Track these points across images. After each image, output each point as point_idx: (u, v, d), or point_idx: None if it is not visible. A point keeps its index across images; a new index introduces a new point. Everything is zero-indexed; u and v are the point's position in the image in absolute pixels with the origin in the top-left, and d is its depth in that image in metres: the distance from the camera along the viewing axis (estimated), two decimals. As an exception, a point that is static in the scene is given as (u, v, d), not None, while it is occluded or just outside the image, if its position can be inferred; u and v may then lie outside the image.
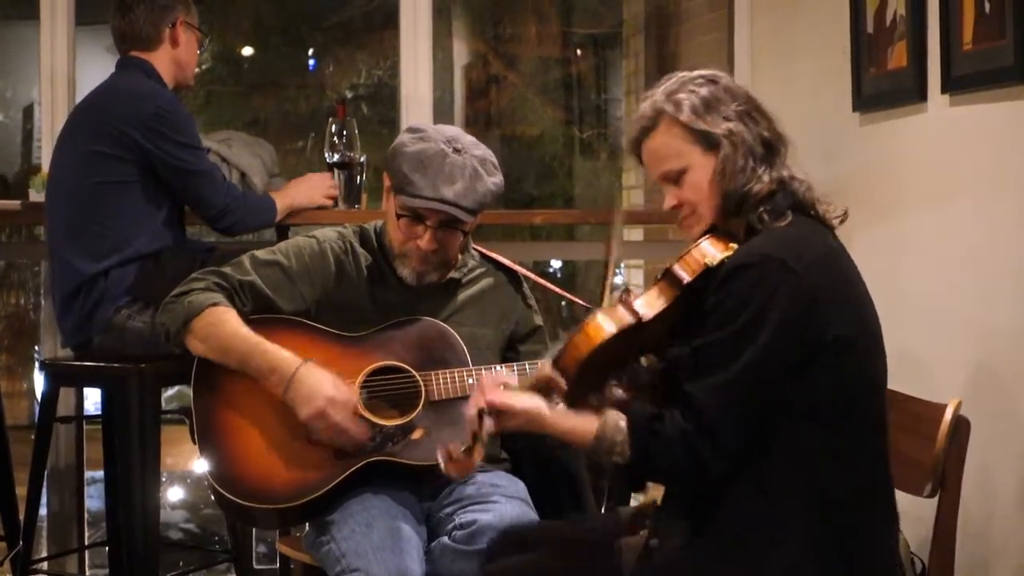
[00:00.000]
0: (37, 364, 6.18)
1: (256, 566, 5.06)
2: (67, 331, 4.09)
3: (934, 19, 3.73)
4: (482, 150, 3.36)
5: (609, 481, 3.62)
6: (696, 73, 2.78)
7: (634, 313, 2.68)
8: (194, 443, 3.26)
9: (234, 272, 3.37)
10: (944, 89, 3.69)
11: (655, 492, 2.88)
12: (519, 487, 3.30)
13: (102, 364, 4.00)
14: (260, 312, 3.34)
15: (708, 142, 2.69)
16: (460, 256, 3.51)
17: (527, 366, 3.30)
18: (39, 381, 4.38)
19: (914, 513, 3.13)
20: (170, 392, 5.60)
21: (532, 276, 3.66)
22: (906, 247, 3.92)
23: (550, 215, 5.02)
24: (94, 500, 5.29)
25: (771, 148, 2.71)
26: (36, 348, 7.75)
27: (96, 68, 4.36)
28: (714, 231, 2.73)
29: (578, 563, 2.79)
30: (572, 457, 3.41)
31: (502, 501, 3.17)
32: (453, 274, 3.47)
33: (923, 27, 3.79)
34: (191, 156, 4.06)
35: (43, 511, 4.53)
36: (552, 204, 8.48)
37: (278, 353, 3.21)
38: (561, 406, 2.73)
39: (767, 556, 2.56)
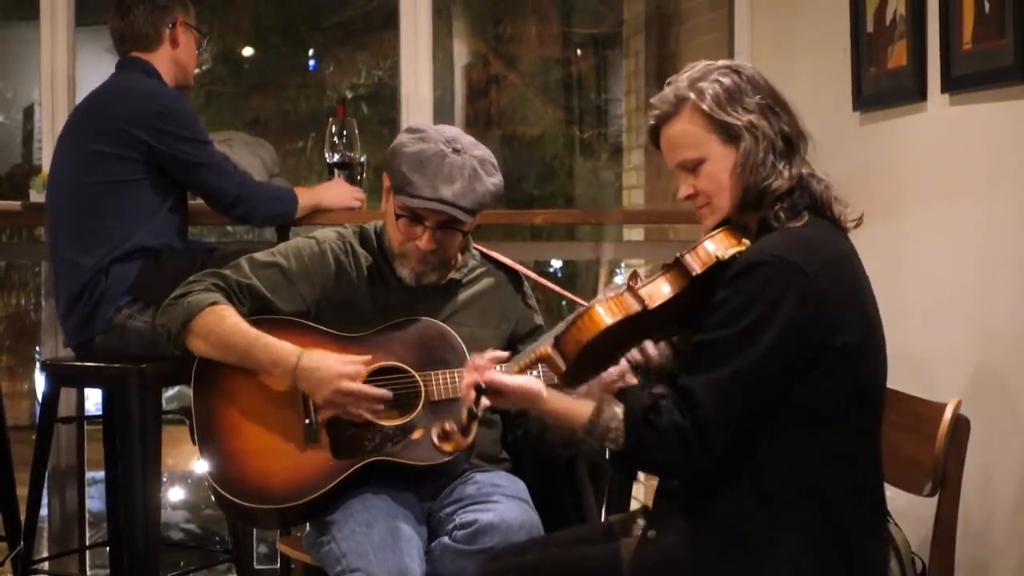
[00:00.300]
0: (38, 364, 6.19)
1: (257, 566, 5.06)
2: (70, 331, 4.10)
3: (934, 18, 3.73)
4: (481, 150, 3.36)
5: (609, 482, 3.62)
6: (721, 63, 2.76)
7: (640, 300, 2.67)
8: (194, 443, 3.26)
9: (233, 274, 3.37)
10: (944, 89, 3.69)
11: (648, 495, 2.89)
12: (519, 487, 3.30)
13: (103, 364, 4.00)
14: (258, 313, 3.34)
15: (728, 133, 2.68)
16: (460, 256, 3.51)
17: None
18: (40, 381, 4.38)
19: (914, 512, 3.13)
20: (170, 392, 5.61)
21: (533, 275, 3.66)
22: (906, 246, 3.92)
23: (551, 215, 5.02)
24: (95, 500, 5.30)
25: (791, 144, 2.70)
26: (37, 349, 7.75)
27: (96, 69, 4.36)
28: (727, 224, 2.72)
29: (577, 561, 2.78)
30: (572, 457, 3.41)
31: (502, 501, 3.18)
32: (453, 274, 3.47)
33: (923, 26, 3.79)
34: (198, 150, 4.08)
35: (44, 511, 4.53)
36: (553, 204, 8.48)
37: (278, 345, 3.22)
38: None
39: (768, 556, 2.57)
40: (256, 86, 8.91)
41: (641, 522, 2.84)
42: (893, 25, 3.95)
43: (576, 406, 2.68)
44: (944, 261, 3.75)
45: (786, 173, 2.67)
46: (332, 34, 8.83)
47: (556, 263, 8.16)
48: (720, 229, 2.71)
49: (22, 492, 4.32)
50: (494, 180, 3.34)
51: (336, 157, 4.50)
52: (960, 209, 3.67)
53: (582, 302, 3.32)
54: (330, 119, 4.54)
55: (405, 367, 3.29)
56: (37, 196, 4.55)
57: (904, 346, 3.68)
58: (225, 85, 8.93)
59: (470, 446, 3.21)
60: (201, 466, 3.27)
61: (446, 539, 3.11)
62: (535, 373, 2.90)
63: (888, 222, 4.00)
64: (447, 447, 2.80)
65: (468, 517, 3.11)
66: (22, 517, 4.29)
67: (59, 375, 4.20)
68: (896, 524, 2.88)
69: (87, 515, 4.88)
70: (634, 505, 3.87)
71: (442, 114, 6.69)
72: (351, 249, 3.46)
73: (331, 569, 3.09)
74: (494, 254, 3.60)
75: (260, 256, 3.42)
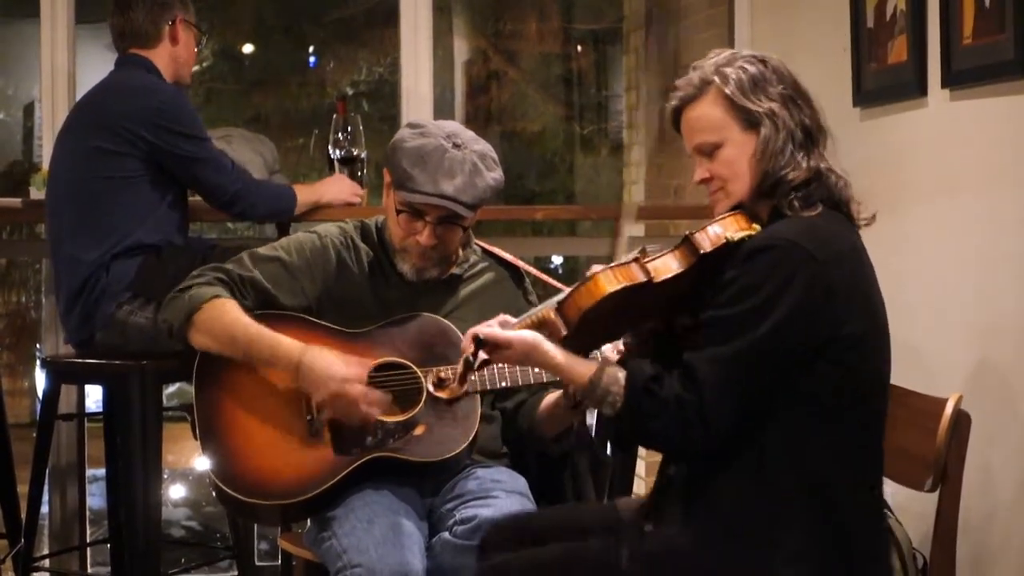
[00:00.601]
0: (38, 362, 6.19)
1: (258, 563, 5.06)
2: (71, 328, 4.10)
3: (934, 14, 3.73)
4: (482, 145, 3.36)
5: (610, 477, 3.62)
6: (748, 52, 2.78)
7: (645, 272, 2.67)
8: (196, 440, 3.26)
9: (235, 268, 3.37)
10: (944, 84, 3.69)
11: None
12: (520, 482, 3.30)
13: (103, 361, 4.00)
14: (261, 307, 3.34)
15: (749, 120, 2.69)
16: (462, 252, 3.51)
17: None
18: (40, 379, 4.38)
19: (915, 508, 3.13)
20: (171, 389, 5.61)
21: (534, 271, 3.66)
22: (907, 242, 3.92)
23: (551, 211, 5.04)
24: (95, 498, 5.30)
25: (811, 136, 2.72)
26: (37, 346, 7.75)
27: (97, 66, 4.36)
28: (740, 209, 2.72)
29: (577, 554, 2.78)
30: (565, 452, 3.41)
31: (503, 496, 3.18)
32: (454, 270, 3.47)
33: (923, 22, 3.79)
34: (197, 146, 4.09)
35: (45, 509, 4.53)
36: (553, 200, 8.48)
37: (281, 341, 3.21)
38: None
39: (767, 548, 2.57)
40: (257, 83, 8.91)
41: (641, 510, 2.85)
42: (893, 20, 3.95)
43: (578, 363, 2.70)
44: (945, 256, 3.75)
45: (804, 164, 2.68)
46: (332, 31, 8.83)
47: (557, 259, 8.16)
48: (732, 212, 2.72)
49: (23, 489, 4.32)
50: (494, 175, 3.34)
51: (340, 153, 4.50)
52: (961, 204, 3.67)
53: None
54: (334, 115, 4.54)
55: (406, 363, 3.29)
56: (37, 193, 4.55)
57: (905, 341, 3.67)
58: (226, 82, 8.93)
59: (472, 442, 3.22)
60: (202, 463, 3.26)
61: (447, 535, 3.11)
62: (534, 370, 2.88)
63: (889, 217, 3.98)
64: (442, 394, 2.81)
65: (469, 512, 3.11)
66: (23, 514, 4.29)
67: (60, 372, 4.20)
68: (897, 520, 2.89)
69: (88, 512, 4.89)
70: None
71: (442, 111, 6.69)
72: (352, 244, 3.46)
73: (332, 565, 3.09)
74: (495, 250, 3.60)
75: (262, 251, 3.42)
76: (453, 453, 3.20)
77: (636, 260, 2.70)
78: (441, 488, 3.29)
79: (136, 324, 3.97)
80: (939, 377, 3.62)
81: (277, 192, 4.29)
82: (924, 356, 3.73)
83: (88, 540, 4.91)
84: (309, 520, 3.33)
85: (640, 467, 5.26)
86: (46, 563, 4.64)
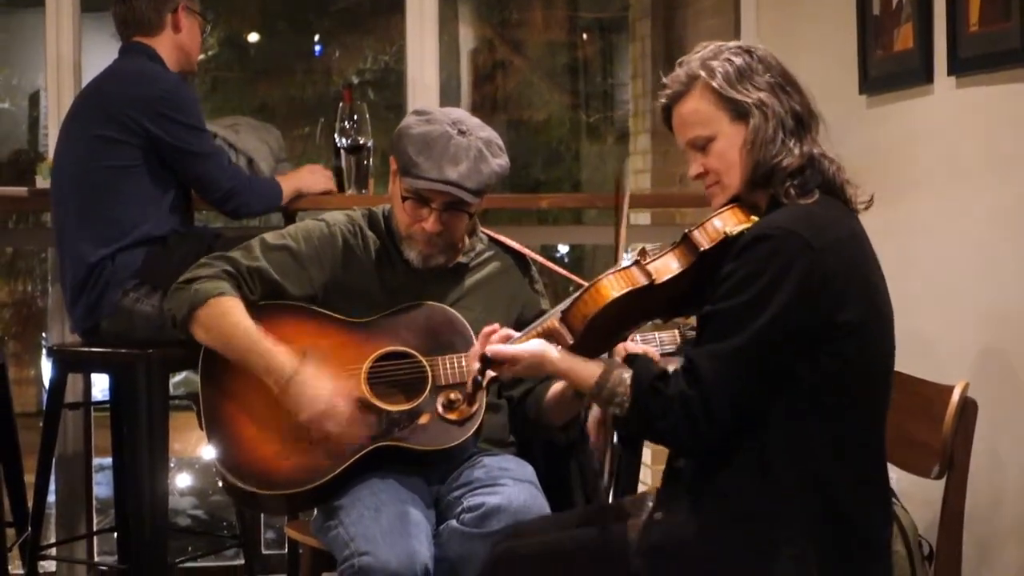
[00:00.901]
0: (44, 351, 6.20)
1: (264, 551, 5.07)
2: (77, 318, 4.09)
3: (940, 1, 3.72)
4: (488, 132, 3.36)
5: (617, 465, 3.62)
6: (733, 43, 2.78)
7: (647, 275, 2.68)
8: (201, 429, 3.26)
9: (243, 257, 3.37)
10: (951, 71, 3.69)
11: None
12: (527, 470, 3.30)
13: (110, 350, 4.00)
14: (268, 297, 3.34)
15: (738, 111, 2.69)
16: (468, 240, 3.50)
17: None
18: (47, 368, 4.39)
19: (922, 495, 3.13)
20: (177, 378, 5.61)
21: (541, 260, 3.66)
22: (913, 229, 3.92)
23: (557, 199, 5.02)
24: (102, 486, 5.30)
25: (802, 123, 2.71)
26: (44, 335, 7.76)
27: (102, 55, 4.35)
28: (737, 202, 2.72)
29: (585, 542, 2.78)
30: (572, 442, 3.41)
31: (510, 484, 3.17)
32: (461, 258, 3.47)
33: (930, 9, 3.78)
34: (196, 138, 4.07)
35: (51, 497, 4.54)
36: (559, 188, 8.48)
37: (276, 355, 3.20)
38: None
39: (771, 537, 2.57)
40: (262, 72, 8.92)
41: (649, 504, 2.85)
42: (900, 7, 3.94)
43: (585, 366, 2.72)
44: (951, 243, 3.74)
45: (796, 151, 2.68)
46: (338, 19, 8.83)
47: (563, 248, 8.15)
48: (729, 206, 2.72)
49: (29, 479, 4.32)
50: (500, 161, 3.33)
51: (346, 141, 4.50)
52: (966, 191, 3.67)
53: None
54: (340, 104, 4.53)
55: (412, 352, 3.29)
56: (43, 182, 4.54)
57: (911, 329, 3.67)
58: (231, 71, 8.93)
59: (478, 430, 3.22)
60: (208, 452, 3.26)
61: (454, 522, 3.11)
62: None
63: (895, 205, 3.99)
64: (452, 416, 2.82)
65: (476, 500, 3.11)
66: (30, 503, 4.30)
67: (66, 361, 4.20)
68: (903, 507, 2.89)
69: (94, 501, 4.89)
70: (642, 488, 3.87)
71: (448, 99, 6.68)
72: (360, 232, 3.46)
73: (339, 553, 3.09)
74: (502, 238, 3.60)
75: (270, 238, 3.42)
76: (458, 441, 3.20)
77: (637, 263, 2.71)
78: (448, 476, 3.29)
79: (142, 312, 3.97)
80: (946, 364, 3.62)
81: (267, 188, 4.28)
82: (931, 343, 3.73)
83: (95, 529, 4.92)
84: (316, 509, 3.33)
85: (646, 455, 5.26)
86: (53, 551, 4.65)
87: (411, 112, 3.43)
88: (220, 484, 3.27)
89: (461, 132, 3.30)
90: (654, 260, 2.71)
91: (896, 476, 2.94)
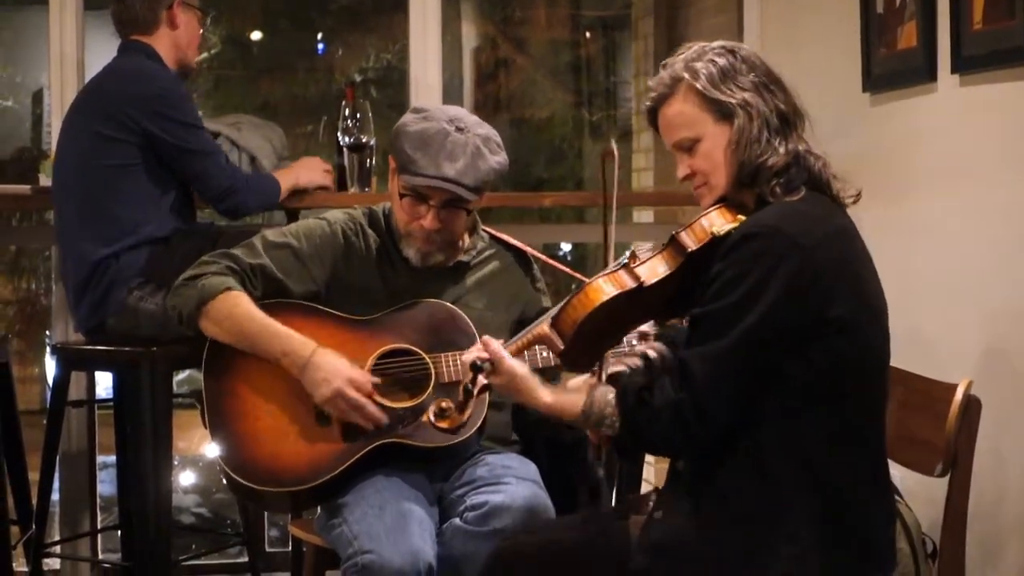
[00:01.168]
0: (49, 349, 6.20)
1: (268, 549, 5.07)
2: (81, 317, 4.09)
3: (944, -1, 3.73)
4: (486, 129, 3.36)
5: (619, 463, 3.62)
6: (716, 43, 2.78)
7: (636, 278, 2.68)
8: (205, 427, 3.26)
9: (245, 255, 3.37)
10: (954, 69, 3.68)
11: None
12: (530, 468, 3.30)
13: (113, 348, 4.01)
14: (271, 295, 3.35)
15: (722, 112, 2.69)
16: (469, 238, 3.51)
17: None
18: (51, 366, 4.39)
19: (925, 494, 3.13)
20: (181, 376, 5.61)
21: (542, 257, 3.66)
22: (916, 227, 3.92)
23: (559, 198, 5.02)
24: (106, 484, 5.30)
25: (787, 121, 2.71)
26: (48, 333, 7.76)
27: (105, 52, 4.35)
28: (724, 202, 2.73)
29: (587, 540, 2.79)
30: (579, 439, 3.41)
31: (514, 482, 3.18)
32: (462, 257, 3.47)
33: (933, 7, 3.78)
34: (193, 136, 4.07)
35: (55, 495, 4.54)
36: (562, 187, 8.47)
37: (291, 337, 3.22)
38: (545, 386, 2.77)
39: (770, 533, 2.57)
40: (265, 70, 8.91)
41: (652, 502, 2.85)
42: (903, 5, 3.94)
43: (567, 398, 2.74)
44: (955, 242, 3.74)
45: (782, 149, 2.68)
46: (341, 17, 8.82)
47: (565, 246, 8.15)
48: (716, 206, 2.72)
49: (33, 476, 4.32)
50: (498, 158, 3.34)
51: (349, 140, 4.49)
52: (970, 190, 3.67)
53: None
54: (342, 102, 4.53)
55: (415, 349, 3.29)
56: (46, 180, 4.54)
57: (915, 327, 3.68)
58: (234, 69, 8.92)
59: (480, 429, 3.22)
60: (212, 450, 3.27)
61: (457, 521, 3.12)
62: (541, 353, 2.88)
63: (898, 203, 3.99)
64: (443, 424, 2.83)
65: (479, 499, 3.11)
66: (34, 501, 4.30)
67: (70, 359, 4.20)
68: (907, 505, 2.89)
69: (98, 499, 4.89)
70: (645, 487, 3.87)
71: (451, 97, 6.68)
72: (361, 230, 3.46)
73: (343, 551, 3.10)
74: (503, 236, 3.60)
75: (272, 236, 3.42)
76: (461, 439, 3.20)
77: (625, 266, 2.71)
78: (451, 474, 3.29)
79: (146, 310, 3.97)
80: (949, 362, 3.62)
81: (265, 185, 4.27)
82: (934, 341, 3.73)
83: (99, 526, 4.92)
84: (320, 507, 3.33)
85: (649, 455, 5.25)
86: (57, 549, 4.65)
87: (409, 110, 3.43)
88: (224, 481, 3.28)
89: (459, 129, 3.30)
90: (643, 263, 2.71)
91: (900, 474, 2.95)
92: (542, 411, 2.80)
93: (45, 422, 4.23)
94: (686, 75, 2.72)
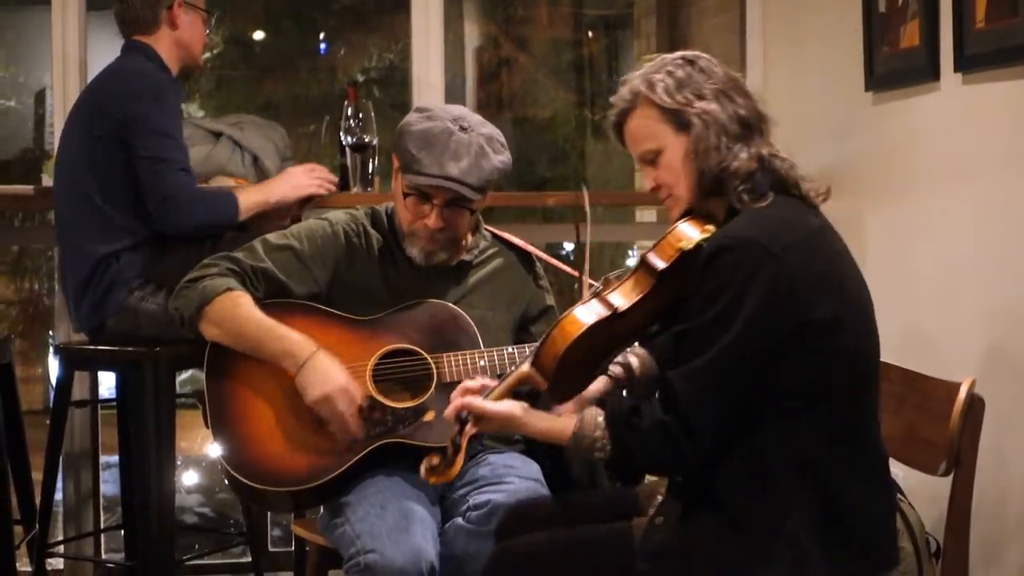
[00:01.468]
0: (51, 349, 6.20)
1: (271, 548, 5.07)
2: (82, 317, 4.09)
3: (947, -2, 3.73)
4: (489, 128, 3.37)
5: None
6: (677, 54, 2.80)
7: (609, 305, 2.70)
8: (207, 427, 3.26)
9: (247, 257, 3.37)
10: (957, 68, 3.68)
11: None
12: (533, 468, 3.30)
13: (116, 348, 4.00)
14: (273, 297, 3.35)
15: (679, 122, 2.71)
16: (471, 237, 3.51)
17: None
18: (54, 366, 4.38)
19: (928, 493, 3.13)
20: (184, 376, 5.61)
21: (545, 257, 3.66)
22: (919, 226, 3.91)
23: (562, 197, 5.00)
24: (109, 484, 5.30)
25: (748, 126, 2.72)
26: (50, 333, 7.76)
27: (108, 53, 4.35)
28: (691, 214, 2.74)
29: (590, 539, 2.79)
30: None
31: (516, 482, 3.18)
32: (465, 256, 3.47)
33: (936, 6, 3.78)
34: (155, 142, 3.94)
35: (58, 495, 4.54)
36: (564, 186, 8.46)
37: (292, 338, 3.22)
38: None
39: (770, 537, 2.57)
40: (267, 70, 8.90)
41: (658, 498, 2.85)
42: (906, 4, 3.94)
43: (557, 423, 2.75)
44: (957, 241, 3.74)
45: (743, 155, 2.69)
46: (343, 17, 8.82)
47: (568, 245, 8.15)
48: (682, 219, 2.74)
49: (37, 476, 4.33)
50: (501, 158, 3.34)
51: (351, 140, 4.49)
52: (973, 188, 3.67)
53: (594, 283, 3.33)
54: (345, 102, 4.53)
55: (417, 349, 3.30)
56: (49, 180, 4.54)
57: (918, 326, 3.68)
58: (236, 69, 8.92)
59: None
60: (214, 450, 3.27)
61: (460, 520, 3.12)
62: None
63: (901, 202, 3.99)
64: (432, 480, 2.82)
65: (481, 498, 3.12)
66: (37, 501, 4.30)
67: (73, 359, 4.20)
68: (910, 504, 2.88)
69: (101, 499, 4.89)
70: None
71: (453, 97, 6.68)
72: (363, 231, 3.46)
73: (345, 551, 3.10)
74: (506, 235, 3.60)
75: (273, 238, 3.43)
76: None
77: (597, 295, 2.73)
78: (453, 474, 3.29)
79: (147, 311, 3.96)
80: (953, 361, 3.61)
81: (218, 202, 4.04)
82: (937, 340, 3.73)
83: (102, 526, 4.92)
84: (322, 506, 3.33)
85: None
86: (60, 549, 4.66)
87: (413, 110, 3.44)
88: (226, 481, 3.28)
89: (462, 128, 3.30)
90: (615, 289, 2.73)
91: (903, 473, 2.94)
92: (538, 440, 2.82)
93: (48, 422, 4.22)
94: (643, 88, 2.75)
